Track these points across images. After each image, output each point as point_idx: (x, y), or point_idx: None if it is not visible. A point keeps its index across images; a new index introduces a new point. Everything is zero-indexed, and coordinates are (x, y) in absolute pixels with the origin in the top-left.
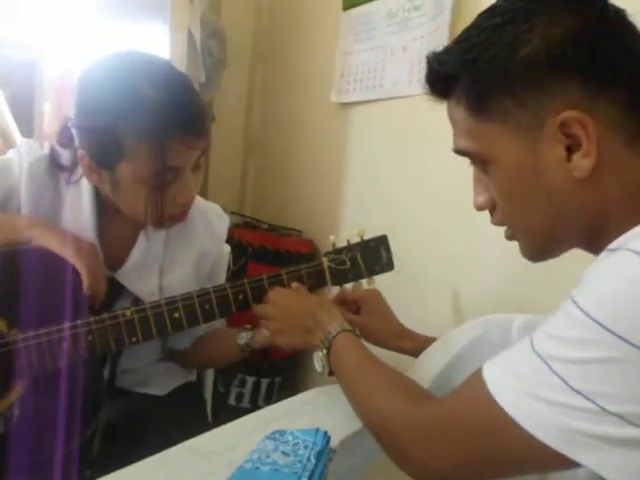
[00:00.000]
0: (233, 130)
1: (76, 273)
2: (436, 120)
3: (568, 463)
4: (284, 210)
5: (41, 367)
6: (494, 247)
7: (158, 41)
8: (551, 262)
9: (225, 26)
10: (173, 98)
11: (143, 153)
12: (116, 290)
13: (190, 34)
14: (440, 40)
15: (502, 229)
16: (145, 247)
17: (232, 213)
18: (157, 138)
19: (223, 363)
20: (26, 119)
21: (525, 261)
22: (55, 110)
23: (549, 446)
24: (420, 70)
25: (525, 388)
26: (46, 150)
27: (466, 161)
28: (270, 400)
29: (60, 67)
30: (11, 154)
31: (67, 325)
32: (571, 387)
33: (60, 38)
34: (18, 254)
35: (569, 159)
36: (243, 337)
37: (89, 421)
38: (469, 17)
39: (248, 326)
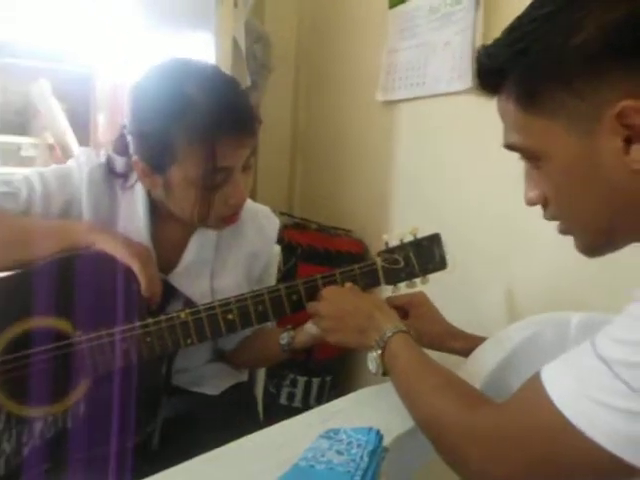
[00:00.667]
0: (280, 132)
1: (133, 276)
2: (480, 116)
3: (630, 470)
4: (333, 210)
5: (104, 366)
6: (549, 244)
7: (204, 49)
8: (609, 258)
9: (269, 30)
10: (220, 99)
11: (194, 155)
12: (169, 292)
13: (235, 41)
14: (477, 33)
15: (556, 225)
16: (197, 250)
17: (281, 214)
18: (207, 140)
19: (267, 363)
20: (82, 129)
21: (582, 258)
22: (109, 120)
23: (611, 452)
24: (461, 66)
25: (587, 393)
26: (102, 158)
27: (515, 156)
28: (322, 399)
29: (112, 80)
30: (70, 163)
31: (127, 327)
32: (635, 392)
33: (112, 52)
34: (80, 259)
35: (627, 151)
36: (285, 337)
37: (150, 418)
38: (504, 8)
39: (289, 326)
